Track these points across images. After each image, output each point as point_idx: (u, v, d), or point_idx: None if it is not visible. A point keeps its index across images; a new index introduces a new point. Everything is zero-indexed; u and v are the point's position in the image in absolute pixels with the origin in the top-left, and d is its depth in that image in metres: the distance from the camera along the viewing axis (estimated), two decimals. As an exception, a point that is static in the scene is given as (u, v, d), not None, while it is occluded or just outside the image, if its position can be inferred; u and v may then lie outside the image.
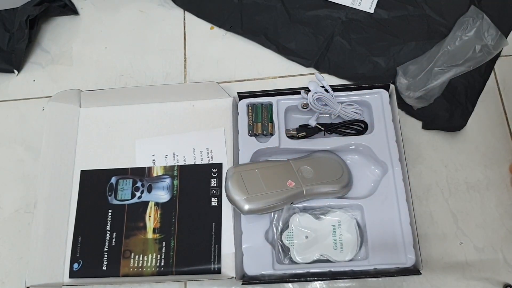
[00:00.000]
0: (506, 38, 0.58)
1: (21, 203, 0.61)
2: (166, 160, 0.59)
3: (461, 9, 0.62)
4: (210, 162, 0.59)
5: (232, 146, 0.58)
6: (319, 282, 0.54)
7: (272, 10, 0.68)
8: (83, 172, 0.59)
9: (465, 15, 0.60)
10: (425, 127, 0.60)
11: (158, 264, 0.54)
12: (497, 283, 0.53)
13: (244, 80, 0.65)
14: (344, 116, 0.57)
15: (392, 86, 0.57)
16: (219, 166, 0.58)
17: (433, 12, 0.65)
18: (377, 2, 0.67)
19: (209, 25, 0.69)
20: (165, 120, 0.61)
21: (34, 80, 0.68)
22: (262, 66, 0.66)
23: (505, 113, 0.60)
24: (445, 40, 0.60)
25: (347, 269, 0.51)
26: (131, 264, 0.54)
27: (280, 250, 0.52)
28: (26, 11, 0.67)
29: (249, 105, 0.59)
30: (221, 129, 0.60)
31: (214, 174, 0.58)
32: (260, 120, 0.58)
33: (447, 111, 0.59)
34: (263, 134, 0.57)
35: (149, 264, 0.54)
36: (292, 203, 0.52)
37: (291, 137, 0.57)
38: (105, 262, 0.55)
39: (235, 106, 0.60)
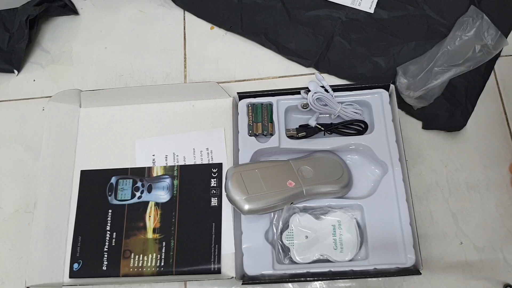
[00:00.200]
0: (506, 38, 0.58)
1: (21, 203, 0.61)
2: (166, 160, 0.59)
3: (461, 9, 0.62)
4: (210, 162, 0.59)
5: (232, 146, 0.58)
6: (319, 282, 0.54)
7: (272, 10, 0.68)
8: (83, 172, 0.59)
9: (465, 15, 0.60)
10: (425, 127, 0.60)
11: (158, 264, 0.54)
12: (497, 283, 0.53)
13: (244, 80, 0.65)
14: (344, 116, 0.57)
15: (392, 86, 0.57)
16: (219, 166, 0.58)
17: (433, 12, 0.65)
18: (377, 2, 0.66)
19: (209, 25, 0.69)
20: (165, 120, 0.61)
21: (34, 80, 0.68)
22: (262, 66, 0.66)
23: (505, 113, 0.60)
24: (445, 40, 0.60)
25: (347, 269, 0.51)
26: (131, 264, 0.54)
27: (280, 250, 0.52)
28: (26, 11, 0.67)
29: (249, 105, 0.59)
30: (221, 129, 0.60)
31: (214, 174, 0.58)
32: (260, 120, 0.58)
33: (447, 111, 0.59)
34: (263, 134, 0.57)
35: (149, 264, 0.54)
36: (292, 203, 0.52)
37: (291, 137, 0.57)
38: (105, 262, 0.55)
39: (235, 106, 0.60)
